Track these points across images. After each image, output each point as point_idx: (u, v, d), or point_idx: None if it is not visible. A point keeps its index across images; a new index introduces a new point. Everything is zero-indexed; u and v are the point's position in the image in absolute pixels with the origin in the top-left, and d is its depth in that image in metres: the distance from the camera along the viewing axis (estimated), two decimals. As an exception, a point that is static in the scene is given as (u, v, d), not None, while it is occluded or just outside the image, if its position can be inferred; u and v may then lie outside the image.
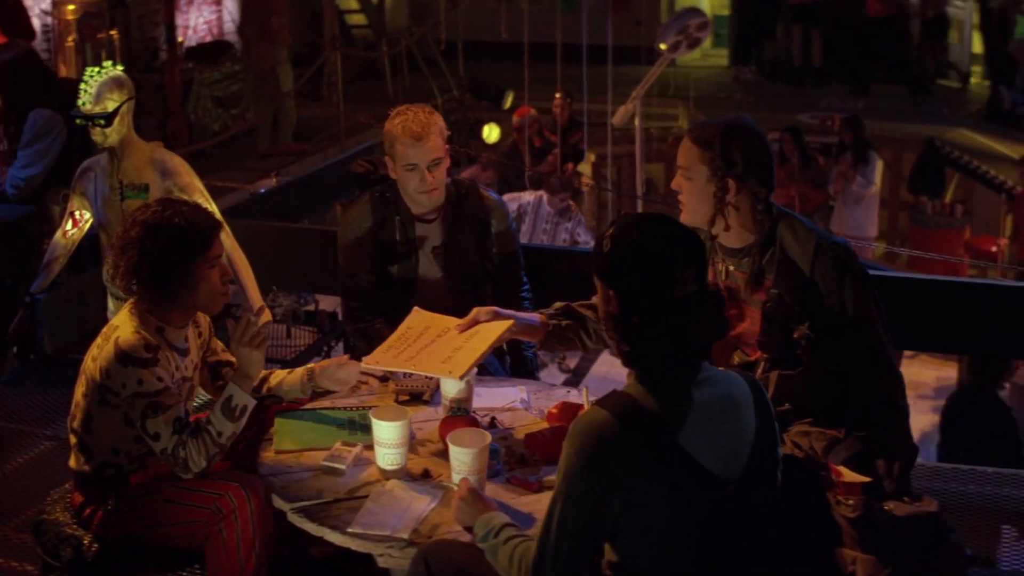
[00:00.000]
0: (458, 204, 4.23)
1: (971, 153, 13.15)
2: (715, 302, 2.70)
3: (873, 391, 3.22)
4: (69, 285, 5.62)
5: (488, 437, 3.11)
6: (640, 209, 12.08)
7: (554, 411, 3.48)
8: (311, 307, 8.30)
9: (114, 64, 4.84)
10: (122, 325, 3.30)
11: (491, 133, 13.47)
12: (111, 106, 4.67)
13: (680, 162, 3.34)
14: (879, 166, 11.53)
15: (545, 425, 3.45)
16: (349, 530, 2.97)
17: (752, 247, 3.33)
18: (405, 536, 2.93)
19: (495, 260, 4.29)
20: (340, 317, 7.93)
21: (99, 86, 4.67)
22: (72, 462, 3.40)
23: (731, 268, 3.39)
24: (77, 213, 4.95)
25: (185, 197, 4.71)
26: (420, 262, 4.22)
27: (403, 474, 3.20)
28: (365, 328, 4.18)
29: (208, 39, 13.41)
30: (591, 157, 13.33)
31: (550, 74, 12.66)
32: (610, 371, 10.48)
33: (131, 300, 3.37)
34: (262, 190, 7.53)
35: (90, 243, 5.16)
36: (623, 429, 2.50)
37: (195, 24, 13.21)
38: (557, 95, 12.42)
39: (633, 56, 13.69)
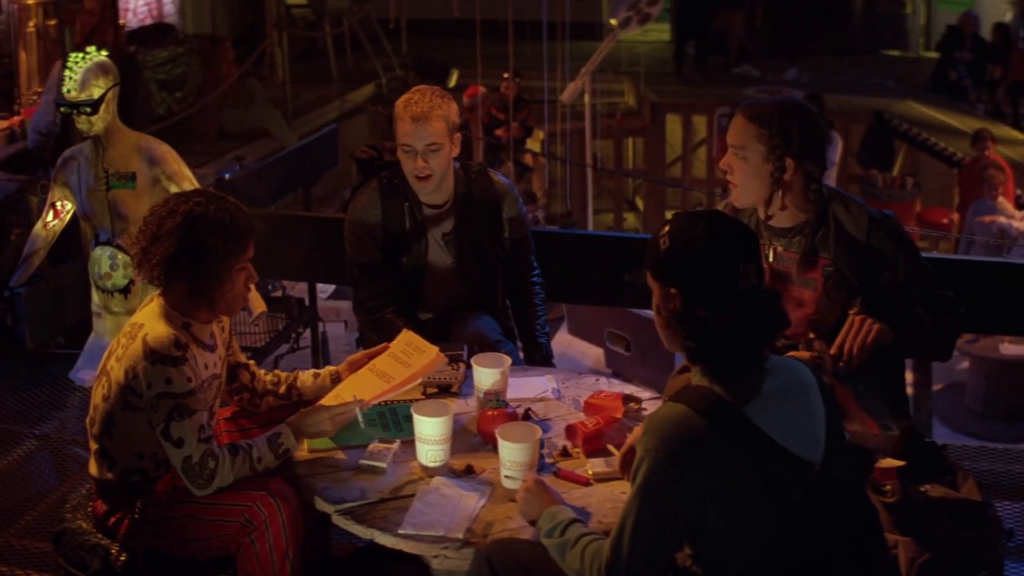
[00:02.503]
0: (468, 189, 4.11)
1: (919, 125, 13.24)
2: (774, 296, 2.65)
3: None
4: (49, 278, 5.42)
5: (538, 430, 3.01)
6: (590, 184, 12.09)
7: (593, 401, 3.40)
8: (278, 293, 8.16)
9: (87, 50, 4.66)
10: (149, 322, 3.12)
11: (435, 111, 13.32)
12: (97, 93, 4.51)
13: (733, 141, 3.27)
14: (839, 145, 11.57)
15: (582, 415, 3.38)
16: (400, 531, 2.86)
17: (804, 226, 3.28)
18: (460, 535, 2.83)
19: (507, 245, 4.19)
20: (307, 303, 7.82)
21: (84, 72, 4.50)
22: (93, 470, 3.23)
23: (779, 249, 3.33)
24: (59, 204, 4.76)
25: (173, 185, 4.57)
26: (430, 249, 4.10)
27: (446, 470, 3.10)
28: (377, 319, 4.05)
29: (148, 21, 13.11)
30: (539, 134, 13.30)
31: (495, 52, 12.56)
32: (567, 349, 10.40)
33: (155, 296, 3.21)
34: (226, 175, 7.34)
35: (71, 234, 4.98)
36: (705, 420, 2.44)
37: (135, 7, 12.91)
38: (505, 74, 12.34)
39: (578, 32, 13.63)
